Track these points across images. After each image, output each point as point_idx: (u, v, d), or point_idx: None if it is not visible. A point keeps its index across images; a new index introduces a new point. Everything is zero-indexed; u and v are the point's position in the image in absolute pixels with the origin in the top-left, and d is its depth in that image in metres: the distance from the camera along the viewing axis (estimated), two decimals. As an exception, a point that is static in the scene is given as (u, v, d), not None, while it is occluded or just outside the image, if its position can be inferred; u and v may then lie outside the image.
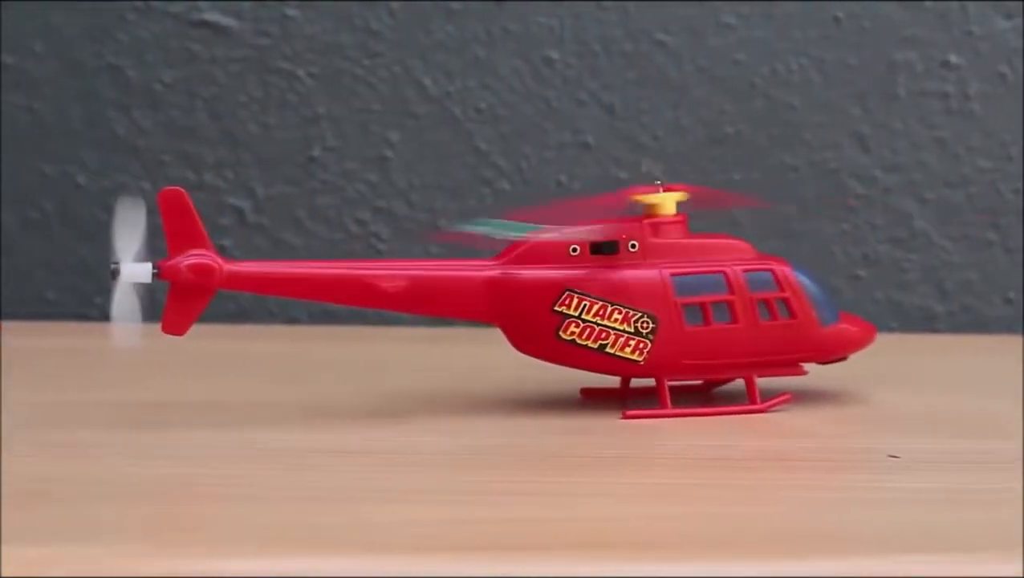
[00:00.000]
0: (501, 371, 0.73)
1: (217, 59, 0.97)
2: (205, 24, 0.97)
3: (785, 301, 0.63)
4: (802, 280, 0.64)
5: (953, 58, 0.98)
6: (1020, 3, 0.98)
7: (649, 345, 0.61)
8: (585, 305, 0.61)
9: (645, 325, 0.61)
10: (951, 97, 0.99)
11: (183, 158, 0.98)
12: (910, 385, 0.73)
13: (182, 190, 0.60)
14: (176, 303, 0.58)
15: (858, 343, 0.66)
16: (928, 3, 0.98)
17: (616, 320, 0.61)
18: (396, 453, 0.54)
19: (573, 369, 0.63)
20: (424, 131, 0.99)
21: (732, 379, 0.66)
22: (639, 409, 0.63)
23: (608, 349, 0.61)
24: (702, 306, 0.62)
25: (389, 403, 0.65)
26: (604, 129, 0.99)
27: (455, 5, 0.98)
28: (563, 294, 0.61)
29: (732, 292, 0.62)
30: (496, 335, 0.90)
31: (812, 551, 0.41)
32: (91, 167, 0.98)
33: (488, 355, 0.77)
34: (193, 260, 0.58)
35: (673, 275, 0.61)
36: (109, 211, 0.98)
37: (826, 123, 0.99)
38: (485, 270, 0.62)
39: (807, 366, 0.65)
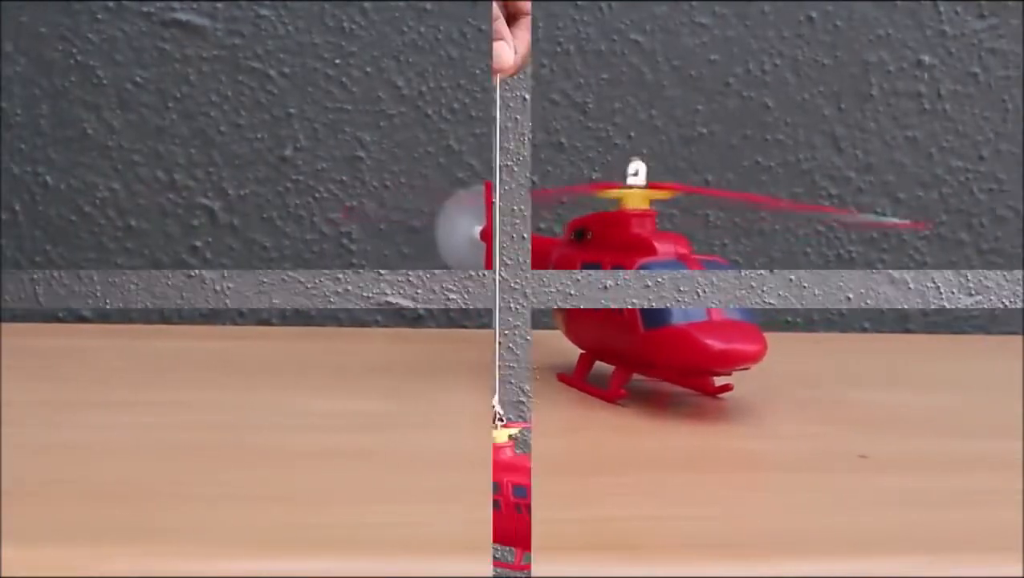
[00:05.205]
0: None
1: (189, 58, 0.97)
2: (177, 23, 0.96)
3: None
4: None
5: (926, 58, 0.99)
6: (992, 3, 0.99)
7: (564, 313, 0.71)
8: None
9: None
10: (924, 97, 0.99)
11: (154, 158, 0.97)
12: (910, 385, 0.73)
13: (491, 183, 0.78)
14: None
15: (700, 358, 0.61)
16: (901, 3, 0.98)
17: None
18: (398, 453, 0.54)
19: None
20: (397, 131, 0.98)
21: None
22: (568, 376, 0.71)
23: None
24: None
25: (389, 403, 0.64)
26: (577, 129, 0.99)
27: (428, 5, 0.97)
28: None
29: None
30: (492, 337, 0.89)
31: (811, 551, 0.41)
32: (60, 166, 0.97)
33: (485, 355, 0.77)
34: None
35: (581, 261, 0.69)
36: (78, 211, 0.98)
37: (800, 123, 0.99)
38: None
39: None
